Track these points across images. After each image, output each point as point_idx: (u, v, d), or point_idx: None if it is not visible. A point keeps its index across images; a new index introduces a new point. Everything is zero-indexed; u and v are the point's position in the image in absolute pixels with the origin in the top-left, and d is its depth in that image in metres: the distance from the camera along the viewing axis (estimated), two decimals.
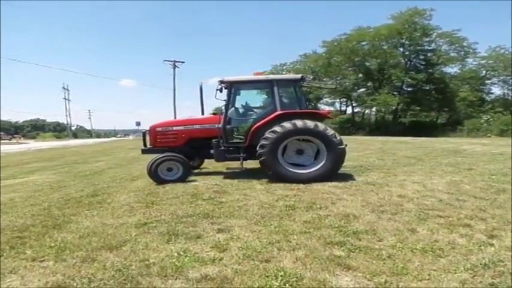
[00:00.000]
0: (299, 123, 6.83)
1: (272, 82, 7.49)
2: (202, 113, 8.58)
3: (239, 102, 7.94)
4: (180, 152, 7.49)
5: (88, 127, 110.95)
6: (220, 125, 7.44)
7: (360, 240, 3.51)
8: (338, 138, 6.94)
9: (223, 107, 7.52)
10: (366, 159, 10.64)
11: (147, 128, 8.60)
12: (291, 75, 7.92)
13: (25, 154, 20.45)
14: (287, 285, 2.60)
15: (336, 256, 3.10)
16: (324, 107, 63.14)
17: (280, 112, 7.17)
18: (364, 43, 43.88)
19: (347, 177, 7.19)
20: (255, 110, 8.14)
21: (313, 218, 4.26)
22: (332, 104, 59.64)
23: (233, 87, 7.55)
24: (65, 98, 74.33)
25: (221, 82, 7.58)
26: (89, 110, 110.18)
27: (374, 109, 47.46)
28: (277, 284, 2.62)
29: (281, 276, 2.73)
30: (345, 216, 4.34)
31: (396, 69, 41.15)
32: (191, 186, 6.65)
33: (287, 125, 6.82)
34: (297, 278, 2.70)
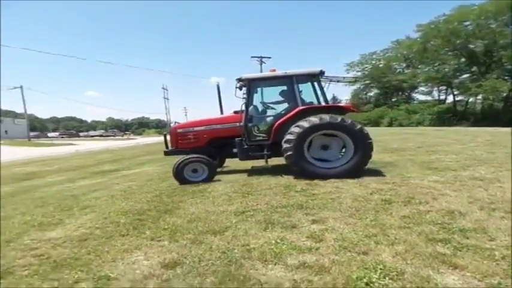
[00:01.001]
0: (325, 117, 6.65)
1: (292, 78, 7.33)
2: (221, 113, 8.69)
3: (259, 99, 7.87)
4: (202, 152, 7.47)
5: None
6: (242, 124, 7.42)
7: (467, 238, 3.26)
8: (365, 132, 6.71)
9: (243, 106, 7.44)
10: (471, 152, 9.62)
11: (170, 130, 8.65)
12: (310, 70, 7.48)
13: (136, 148, 23.14)
14: (387, 278, 2.57)
15: (440, 253, 2.94)
16: (418, 97, 58.45)
17: (302, 107, 7.08)
18: (467, 23, 39.31)
19: (449, 171, 6.63)
20: (276, 107, 7.98)
21: (412, 213, 4.07)
22: (429, 93, 54.91)
23: (252, 85, 7.48)
24: (164, 97, 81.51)
25: (239, 80, 7.56)
26: (184, 108, 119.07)
27: (480, 97, 42.31)
28: (376, 276, 2.60)
29: (380, 269, 2.70)
30: (449, 212, 4.04)
31: (508, 50, 35.93)
32: (283, 178, 6.84)
33: (313, 119, 6.66)
34: (397, 272, 2.65)
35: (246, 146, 7.47)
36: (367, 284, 2.50)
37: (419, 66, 51.19)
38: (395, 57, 58.65)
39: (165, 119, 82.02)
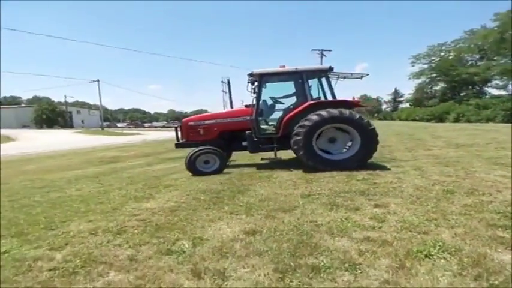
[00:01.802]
0: (334, 111, 6.93)
1: (301, 73, 7.60)
2: (231, 106, 9.05)
3: (269, 94, 8.08)
4: (212, 145, 7.73)
5: None
6: (252, 117, 7.66)
7: None
8: (372, 126, 7.07)
9: (253, 100, 7.67)
10: None
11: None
12: (320, 66, 7.65)
13: None
14: (445, 253, 2.87)
15: (499, 237, 3.15)
16: (490, 91, 54.02)
17: (312, 102, 7.35)
18: None
19: None
20: (285, 101, 8.18)
21: (474, 203, 4.23)
22: (504, 87, 50.55)
23: (263, 80, 7.68)
24: (223, 91, 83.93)
25: (250, 75, 7.81)
26: (242, 101, 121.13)
27: None
28: (435, 251, 2.91)
29: (439, 246, 3.00)
30: None
31: None
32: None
33: (323, 113, 6.96)
34: (455, 249, 2.93)
35: (256, 139, 7.75)
36: (426, 256, 2.83)
37: (494, 58, 47.25)
38: (467, 49, 54.57)
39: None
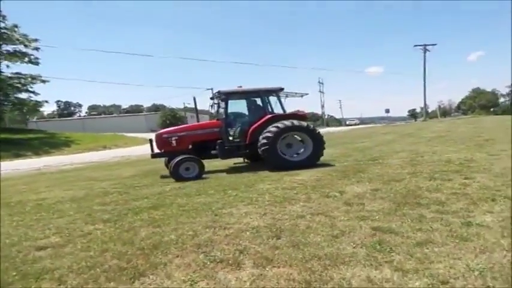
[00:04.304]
0: (295, 122, 8.81)
1: (260, 92, 9.47)
2: (198, 121, 10.97)
3: (233, 109, 9.62)
4: (184, 154, 8.55)
5: (337, 116, 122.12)
6: (222, 129, 9.15)
7: None
8: (320, 133, 9.09)
9: (222, 114, 9.25)
10: None
11: (161, 134, 9.59)
12: (274, 87, 9.59)
13: None
14: (506, 200, 4.60)
15: None
16: None
17: (271, 116, 9.15)
18: None
19: None
20: (247, 115, 9.86)
21: None
22: None
23: (230, 98, 9.34)
24: (320, 91, 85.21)
25: (218, 93, 9.42)
26: (339, 100, 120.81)
27: None
28: (500, 199, 4.66)
29: (503, 200, 4.73)
30: None
31: None
32: (444, 157, 8.71)
33: (286, 122, 8.73)
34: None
35: (226, 147, 9.10)
36: (492, 200, 4.61)
37: None
38: None
39: (319, 112, 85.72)
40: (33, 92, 34.05)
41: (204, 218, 4.70)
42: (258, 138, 8.76)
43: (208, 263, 3.19)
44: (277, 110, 9.60)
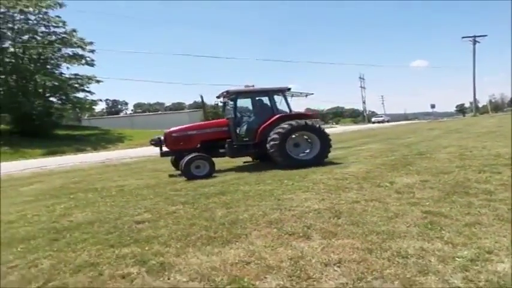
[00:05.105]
0: (301, 121, 8.90)
1: (269, 92, 9.51)
2: (206, 119, 10.96)
3: (242, 108, 9.87)
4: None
5: (380, 112, 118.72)
6: (231, 127, 9.18)
7: None
8: (327, 132, 9.29)
9: (231, 113, 9.26)
10: None
11: (170, 133, 9.46)
12: (282, 87, 9.66)
13: (344, 134, 27.12)
14: None
15: None
16: None
17: (280, 115, 9.19)
18: None
19: None
20: (256, 114, 9.71)
21: None
22: None
23: (238, 97, 9.48)
24: (361, 87, 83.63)
25: (227, 92, 9.48)
26: (381, 96, 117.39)
27: None
28: None
29: None
30: None
31: None
32: (493, 152, 8.81)
33: (293, 122, 8.79)
34: None
35: (235, 146, 9.16)
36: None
37: None
38: None
39: (361, 108, 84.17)
40: (89, 92, 36.70)
41: (268, 202, 5.37)
42: (267, 137, 8.89)
43: (282, 234, 3.86)
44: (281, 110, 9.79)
